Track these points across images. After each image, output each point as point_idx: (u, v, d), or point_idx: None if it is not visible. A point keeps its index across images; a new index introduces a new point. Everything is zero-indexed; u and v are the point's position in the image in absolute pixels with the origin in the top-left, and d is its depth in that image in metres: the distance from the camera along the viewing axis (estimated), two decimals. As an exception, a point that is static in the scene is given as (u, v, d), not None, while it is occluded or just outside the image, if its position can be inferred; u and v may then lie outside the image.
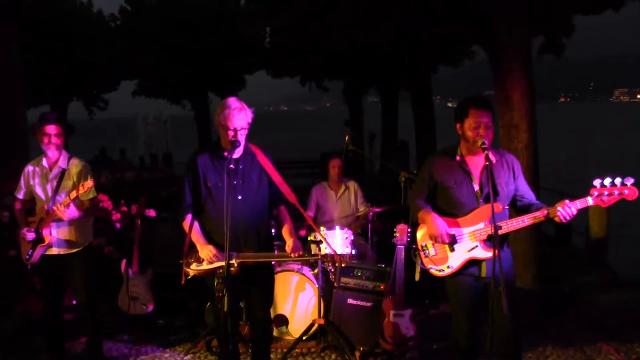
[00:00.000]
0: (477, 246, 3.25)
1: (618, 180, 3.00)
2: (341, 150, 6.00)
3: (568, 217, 3.09)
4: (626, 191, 3.01)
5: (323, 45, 10.63)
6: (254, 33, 14.68)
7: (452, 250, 3.29)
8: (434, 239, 3.30)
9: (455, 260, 3.29)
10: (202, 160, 3.51)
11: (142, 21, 17.82)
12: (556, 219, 3.11)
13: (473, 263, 3.29)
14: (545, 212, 3.14)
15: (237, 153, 3.44)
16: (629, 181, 2.98)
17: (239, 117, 3.38)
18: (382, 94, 18.64)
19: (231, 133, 3.38)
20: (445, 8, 6.51)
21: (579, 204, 3.08)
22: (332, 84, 19.81)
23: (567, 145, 35.60)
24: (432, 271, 3.37)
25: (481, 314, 3.35)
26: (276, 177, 3.54)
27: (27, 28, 12.17)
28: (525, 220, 3.19)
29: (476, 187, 3.30)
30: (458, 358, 3.45)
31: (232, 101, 3.43)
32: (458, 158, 3.34)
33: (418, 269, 3.48)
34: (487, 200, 3.22)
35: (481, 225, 3.24)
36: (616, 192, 3.02)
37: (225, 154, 3.40)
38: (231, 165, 3.29)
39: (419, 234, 3.44)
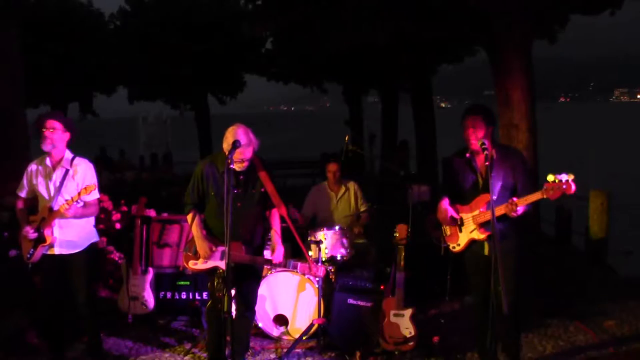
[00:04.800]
0: (475, 229, 3.83)
1: (564, 177, 3.39)
2: (341, 150, 6.00)
3: (515, 213, 3.58)
4: (564, 186, 3.39)
5: (324, 47, 10.64)
6: (255, 35, 14.70)
7: (461, 231, 3.91)
8: (442, 221, 3.97)
9: (462, 239, 3.92)
10: (207, 171, 3.96)
11: (142, 22, 17.81)
12: (512, 213, 3.60)
13: (476, 242, 3.85)
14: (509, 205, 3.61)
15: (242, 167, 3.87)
16: (570, 177, 3.38)
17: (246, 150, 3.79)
18: (382, 94, 18.63)
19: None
20: (446, 8, 6.52)
21: (531, 197, 3.53)
22: (332, 85, 19.82)
23: (568, 144, 35.58)
24: (450, 247, 4.01)
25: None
26: (270, 190, 3.98)
27: (27, 29, 12.17)
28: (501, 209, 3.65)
29: (479, 180, 3.83)
30: (477, 314, 3.96)
31: (241, 136, 3.76)
32: (467, 156, 3.87)
33: (442, 247, 4.09)
34: (484, 190, 3.74)
35: (477, 211, 3.80)
36: (563, 186, 3.39)
37: (231, 166, 3.66)
38: (237, 185, 3.83)
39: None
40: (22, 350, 4.74)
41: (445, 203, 3.92)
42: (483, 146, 3.64)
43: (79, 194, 3.99)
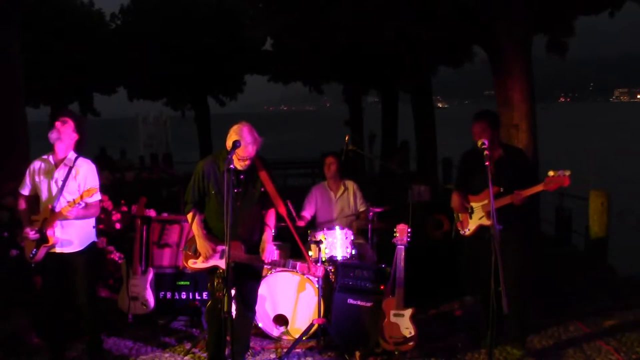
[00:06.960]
0: (483, 216, 4.25)
1: (561, 172, 3.87)
2: (341, 150, 5.99)
3: (519, 202, 4.03)
4: (560, 179, 3.86)
5: (324, 47, 10.65)
6: (257, 37, 14.72)
7: (471, 218, 4.34)
8: (455, 209, 4.40)
9: (471, 225, 4.34)
10: (208, 169, 3.95)
11: (142, 22, 17.80)
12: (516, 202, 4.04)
13: (485, 228, 4.16)
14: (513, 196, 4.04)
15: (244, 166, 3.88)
16: (567, 172, 3.86)
17: (251, 148, 3.80)
18: (382, 94, 18.64)
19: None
20: (446, 9, 6.51)
21: (534, 189, 3.97)
22: (332, 85, 19.83)
23: (568, 144, 35.60)
24: (461, 232, 4.43)
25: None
26: (271, 190, 4.00)
27: (27, 28, 12.17)
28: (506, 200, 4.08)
29: (489, 174, 4.05)
30: (483, 291, 4.08)
31: (246, 134, 3.78)
32: (486, 152, 4.10)
33: (453, 231, 4.55)
34: (493, 183, 3.96)
35: (486, 201, 4.16)
36: (560, 180, 3.86)
37: (232, 166, 3.67)
38: (237, 184, 3.86)
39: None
40: (22, 350, 4.73)
41: (457, 194, 4.37)
42: (483, 147, 3.92)
43: (81, 196, 3.98)
